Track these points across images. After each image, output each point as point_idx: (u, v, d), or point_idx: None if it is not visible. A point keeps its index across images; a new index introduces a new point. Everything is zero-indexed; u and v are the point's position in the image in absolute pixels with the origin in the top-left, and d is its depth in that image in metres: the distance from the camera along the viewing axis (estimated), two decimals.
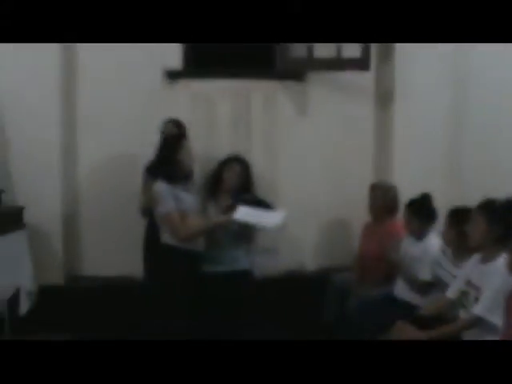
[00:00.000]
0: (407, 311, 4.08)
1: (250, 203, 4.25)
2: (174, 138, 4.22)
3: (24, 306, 4.69)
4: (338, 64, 5.06)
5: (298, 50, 5.05)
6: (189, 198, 4.07)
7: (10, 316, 4.66)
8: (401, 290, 4.42)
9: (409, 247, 4.45)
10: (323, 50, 4.99)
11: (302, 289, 5.18)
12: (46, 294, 4.83)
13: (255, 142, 5.28)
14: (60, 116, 4.98)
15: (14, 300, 4.64)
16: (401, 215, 4.67)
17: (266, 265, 5.11)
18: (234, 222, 4.09)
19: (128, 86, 5.04)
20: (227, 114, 5.24)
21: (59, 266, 5.07)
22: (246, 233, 4.59)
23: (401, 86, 5.24)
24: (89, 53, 5.00)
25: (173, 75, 5.14)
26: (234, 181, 4.73)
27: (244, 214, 4.08)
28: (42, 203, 4.90)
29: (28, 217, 4.81)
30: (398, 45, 5.13)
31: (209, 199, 4.71)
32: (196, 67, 5.28)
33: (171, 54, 5.13)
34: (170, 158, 4.03)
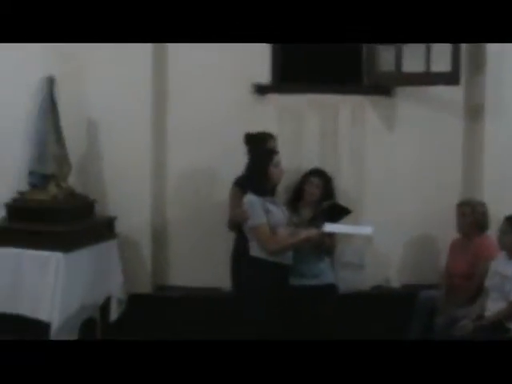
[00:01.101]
0: (497, 331, 3.99)
1: (330, 209, 4.28)
2: (265, 151, 4.28)
3: (114, 313, 4.85)
4: (427, 78, 4.99)
5: (386, 64, 5.02)
6: (277, 211, 4.11)
7: (102, 321, 4.84)
8: (491, 309, 4.31)
9: (501, 266, 4.34)
10: (411, 64, 4.95)
11: (387, 305, 5.11)
12: (134, 303, 4.96)
13: (342, 156, 5.26)
14: (150, 129, 5.11)
15: (105, 306, 4.82)
16: (490, 232, 4.56)
17: (351, 280, 5.09)
18: (324, 235, 4.12)
19: (217, 100, 5.13)
20: (315, 128, 5.25)
21: (147, 275, 5.18)
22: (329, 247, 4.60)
23: (491, 99, 5.11)
24: (179, 68, 5.13)
25: (261, 89, 5.19)
26: (315, 194, 4.74)
27: (333, 227, 4.11)
28: (133, 214, 5.05)
29: (119, 227, 4.96)
30: (488, 57, 5.03)
31: (291, 212, 4.74)
32: (284, 82, 5.32)
33: (260, 68, 5.19)
34: (261, 171, 4.09)
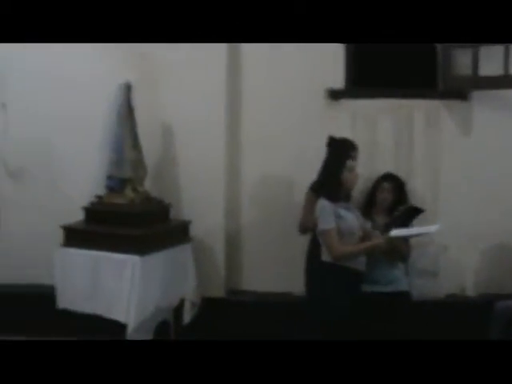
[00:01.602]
0: None
1: (405, 213, 4.23)
2: (339, 156, 4.25)
3: (187, 316, 4.91)
4: (505, 82, 4.87)
5: (462, 67, 4.93)
6: (350, 217, 4.09)
7: (175, 323, 4.92)
8: None
9: None
10: (488, 67, 4.84)
11: (462, 314, 5.00)
12: (206, 306, 5.01)
13: (417, 161, 5.17)
14: (225, 134, 5.16)
15: (179, 309, 4.88)
16: None
17: (425, 287, 5.01)
18: (390, 241, 4.07)
19: (290, 104, 5.15)
20: (388, 133, 5.18)
21: (221, 279, 5.24)
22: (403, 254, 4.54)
23: None
24: (254, 73, 5.17)
25: (335, 94, 5.17)
26: (388, 199, 4.70)
27: (399, 232, 4.06)
28: (207, 218, 5.11)
29: (193, 230, 5.03)
30: None
31: (366, 218, 4.69)
32: (358, 86, 5.29)
33: (333, 73, 5.18)
34: (334, 176, 4.09)
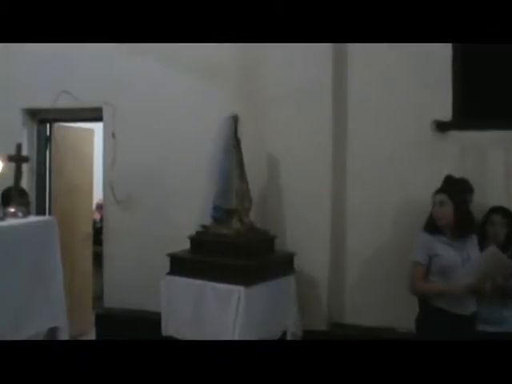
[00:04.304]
0: None
1: None
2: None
3: None
4: None
5: None
6: (451, 253, 3.97)
7: None
8: None
9: None
10: None
11: None
12: (309, 339, 4.96)
13: None
14: (330, 166, 5.15)
15: None
16: None
17: None
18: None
19: (397, 137, 5.09)
20: (498, 165, 5.02)
21: (323, 312, 5.18)
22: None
23: None
24: (359, 105, 5.16)
25: (442, 126, 5.07)
26: (499, 233, 4.52)
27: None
28: (311, 250, 5.09)
29: (297, 262, 5.02)
30: None
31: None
32: (466, 118, 5.16)
33: (441, 105, 5.08)
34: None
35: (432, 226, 4.01)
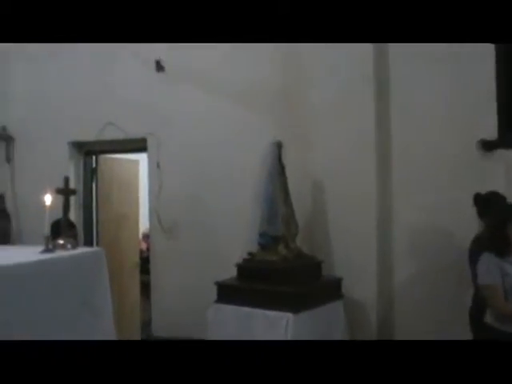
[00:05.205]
0: None
1: None
2: (504, 212, 4.08)
3: None
4: None
5: None
6: None
7: None
8: None
9: None
10: None
11: None
12: None
13: None
14: (376, 189, 5.08)
15: None
16: None
17: None
18: None
19: (442, 155, 5.00)
20: None
21: (373, 336, 5.07)
22: None
23: None
24: (402, 124, 5.09)
25: (488, 145, 4.99)
26: None
27: None
28: (359, 274, 5.02)
29: (345, 287, 4.98)
30: None
31: None
32: None
33: (486, 124, 5.01)
34: (498, 231, 3.92)
35: (500, 248, 3.90)
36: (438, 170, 5.03)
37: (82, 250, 4.29)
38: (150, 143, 5.99)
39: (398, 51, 4.98)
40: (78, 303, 3.87)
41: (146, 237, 7.55)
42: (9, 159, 6.57)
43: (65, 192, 4.47)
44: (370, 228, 5.06)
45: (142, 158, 6.69)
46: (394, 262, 5.15)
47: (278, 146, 4.95)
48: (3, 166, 6.57)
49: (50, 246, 3.88)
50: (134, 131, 5.99)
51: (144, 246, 8.06)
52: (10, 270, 3.34)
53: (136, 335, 6.69)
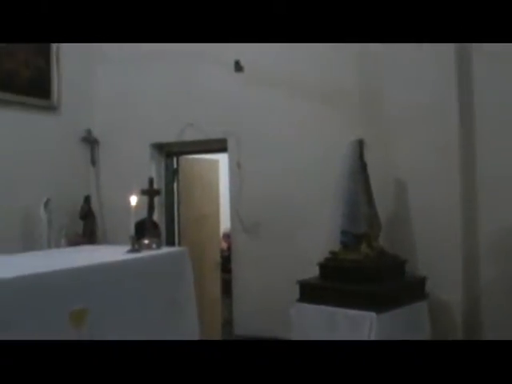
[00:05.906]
0: None
1: None
2: None
3: None
4: None
5: None
6: None
7: None
8: None
9: None
10: None
11: None
12: None
13: None
14: (459, 188, 4.96)
15: None
16: None
17: None
18: None
19: None
20: None
21: (458, 337, 4.94)
22: None
23: None
24: (486, 125, 4.93)
25: None
26: None
27: None
28: (443, 273, 4.91)
29: (429, 286, 4.87)
30: None
31: None
32: None
33: None
34: None
35: None
36: None
37: (166, 249, 4.38)
38: (230, 143, 6.03)
39: (482, 51, 4.83)
40: (164, 302, 3.94)
41: (227, 236, 7.62)
42: (94, 162, 6.74)
43: (149, 192, 4.56)
44: (454, 226, 4.93)
45: (221, 158, 6.76)
46: (480, 261, 4.99)
47: (360, 143, 4.89)
48: (88, 168, 6.75)
49: (136, 246, 3.97)
50: (213, 132, 6.04)
51: (224, 245, 8.14)
52: (104, 269, 3.46)
53: (217, 334, 6.75)
